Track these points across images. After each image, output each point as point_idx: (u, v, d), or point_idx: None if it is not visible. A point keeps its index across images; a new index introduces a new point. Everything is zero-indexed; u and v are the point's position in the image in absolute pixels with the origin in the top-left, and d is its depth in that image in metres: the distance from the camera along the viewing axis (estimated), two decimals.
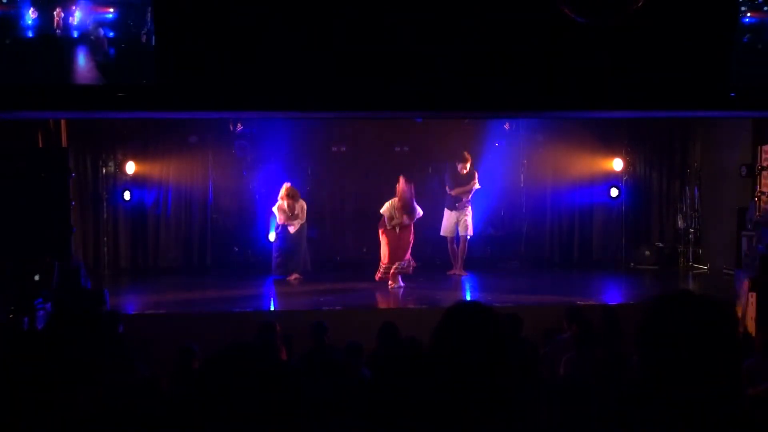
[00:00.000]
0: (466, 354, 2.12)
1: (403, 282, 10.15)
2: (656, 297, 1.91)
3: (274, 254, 10.92)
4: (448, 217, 10.92)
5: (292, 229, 10.81)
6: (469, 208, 10.91)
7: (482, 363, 2.12)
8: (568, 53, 7.05)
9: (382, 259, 10.14)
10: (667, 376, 1.81)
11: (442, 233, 11.02)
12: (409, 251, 10.15)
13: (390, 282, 10.08)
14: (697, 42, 7.14)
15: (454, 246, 10.97)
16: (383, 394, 2.03)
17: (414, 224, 10.21)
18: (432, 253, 11.74)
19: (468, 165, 10.80)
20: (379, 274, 10.15)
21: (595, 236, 12.73)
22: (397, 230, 10.08)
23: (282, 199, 10.78)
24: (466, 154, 10.85)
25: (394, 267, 10.04)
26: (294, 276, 10.84)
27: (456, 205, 10.85)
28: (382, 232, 10.16)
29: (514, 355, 2.19)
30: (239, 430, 2.07)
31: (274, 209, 10.84)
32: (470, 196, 10.90)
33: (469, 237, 11.01)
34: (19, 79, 7.01)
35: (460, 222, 10.85)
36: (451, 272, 10.95)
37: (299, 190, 11.25)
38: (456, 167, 10.83)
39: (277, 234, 10.87)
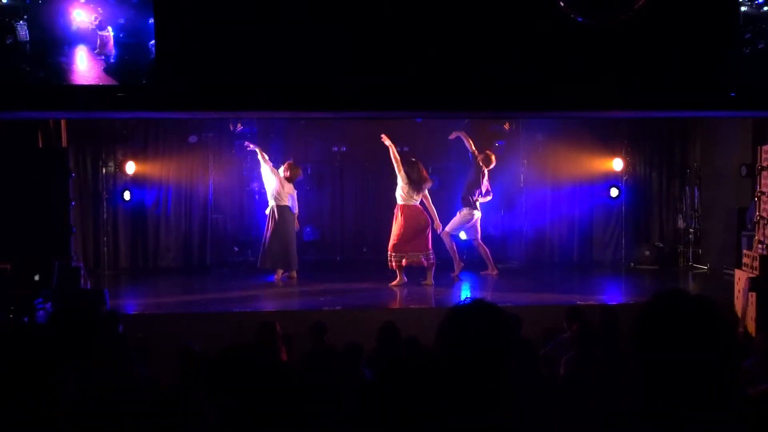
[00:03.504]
0: (470, 352, 2.12)
1: (406, 277, 10.19)
2: (651, 297, 1.91)
3: (262, 246, 10.87)
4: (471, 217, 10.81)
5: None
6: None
7: (486, 362, 2.12)
8: (569, 53, 7.05)
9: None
10: (665, 376, 1.81)
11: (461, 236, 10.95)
12: (428, 244, 10.13)
13: (396, 279, 10.12)
14: (697, 42, 7.14)
15: (453, 244, 10.88)
16: (383, 395, 2.03)
17: (416, 215, 10.18)
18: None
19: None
20: (389, 263, 10.21)
21: (595, 236, 12.74)
22: (407, 210, 10.06)
23: (284, 171, 10.73)
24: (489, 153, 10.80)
25: (402, 257, 10.06)
26: (279, 273, 10.78)
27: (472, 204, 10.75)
28: (399, 216, 10.13)
29: (515, 355, 2.18)
30: (240, 429, 2.07)
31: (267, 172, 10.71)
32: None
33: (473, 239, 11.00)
34: (19, 79, 7.01)
35: (474, 224, 10.78)
36: (454, 274, 10.86)
37: (299, 189, 11.25)
38: (483, 171, 10.69)
39: (267, 226, 10.79)
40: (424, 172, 10.25)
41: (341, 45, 7.00)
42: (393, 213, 10.34)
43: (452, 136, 10.81)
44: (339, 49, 7.01)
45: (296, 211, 10.92)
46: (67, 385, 2.25)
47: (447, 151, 12.25)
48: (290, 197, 10.77)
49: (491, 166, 10.79)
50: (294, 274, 10.85)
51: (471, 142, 10.68)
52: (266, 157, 10.68)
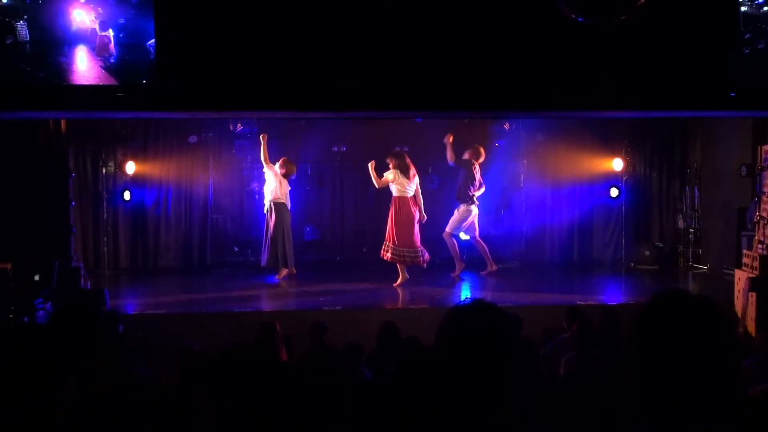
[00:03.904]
0: (470, 352, 2.12)
1: (408, 274, 10.23)
2: (651, 297, 1.91)
3: (263, 245, 10.87)
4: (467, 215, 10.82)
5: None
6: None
7: (486, 362, 2.12)
8: (569, 53, 7.05)
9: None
10: (665, 376, 1.81)
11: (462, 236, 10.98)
12: (417, 240, 10.22)
13: (398, 279, 10.19)
14: (697, 42, 7.14)
15: (455, 243, 10.88)
16: (383, 395, 2.03)
17: (412, 209, 10.23)
18: (432, 252, 11.73)
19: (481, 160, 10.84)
20: (385, 254, 10.26)
21: (595, 236, 12.74)
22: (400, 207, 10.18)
23: (280, 167, 10.75)
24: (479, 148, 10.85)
25: (402, 256, 10.11)
26: (284, 271, 10.80)
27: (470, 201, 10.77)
28: (395, 207, 10.24)
29: (515, 355, 2.18)
30: (240, 429, 2.07)
31: (267, 171, 10.72)
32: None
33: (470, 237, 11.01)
34: (19, 79, 7.01)
35: (472, 221, 10.80)
36: (454, 274, 10.86)
37: (299, 189, 11.23)
38: (474, 165, 10.75)
39: (267, 225, 10.80)
40: (408, 159, 10.36)
41: (341, 45, 7.00)
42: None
43: (447, 139, 10.77)
44: (339, 49, 7.01)
45: (289, 206, 10.94)
46: (67, 385, 2.25)
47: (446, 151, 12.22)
48: (286, 195, 10.81)
49: (481, 159, 10.80)
50: (293, 270, 10.86)
51: (452, 153, 10.69)
52: (268, 159, 10.67)
